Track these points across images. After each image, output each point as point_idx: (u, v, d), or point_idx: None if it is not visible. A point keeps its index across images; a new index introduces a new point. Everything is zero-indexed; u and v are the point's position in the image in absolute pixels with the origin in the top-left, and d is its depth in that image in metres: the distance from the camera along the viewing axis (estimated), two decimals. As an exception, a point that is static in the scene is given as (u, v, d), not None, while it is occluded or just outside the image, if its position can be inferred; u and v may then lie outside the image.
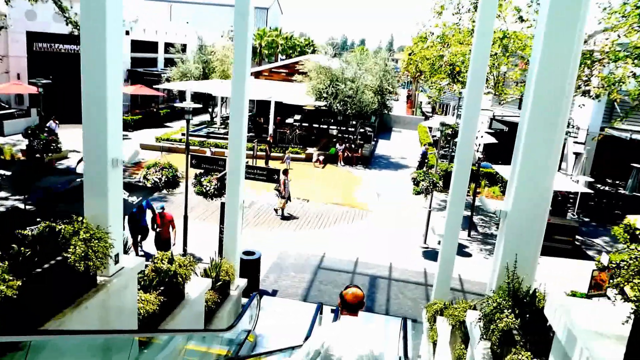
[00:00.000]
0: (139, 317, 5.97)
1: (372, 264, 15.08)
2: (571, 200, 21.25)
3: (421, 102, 64.25)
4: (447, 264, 9.33)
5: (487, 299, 4.44)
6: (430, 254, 16.29)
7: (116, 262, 5.39)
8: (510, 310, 4.17)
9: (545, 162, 4.44)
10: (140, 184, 13.42)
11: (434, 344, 8.02)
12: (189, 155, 11.73)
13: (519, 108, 17.91)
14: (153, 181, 13.29)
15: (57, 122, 26.25)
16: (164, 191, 16.28)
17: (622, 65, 14.67)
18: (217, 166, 11.40)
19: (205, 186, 12.89)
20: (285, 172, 18.64)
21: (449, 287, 9.57)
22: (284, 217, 18.60)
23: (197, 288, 7.71)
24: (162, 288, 6.63)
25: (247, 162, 12.13)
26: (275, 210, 18.90)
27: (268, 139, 28.66)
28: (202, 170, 13.32)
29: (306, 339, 8.72)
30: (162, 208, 13.49)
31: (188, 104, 13.09)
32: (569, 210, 20.12)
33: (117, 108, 5.22)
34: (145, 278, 6.57)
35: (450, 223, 9.10)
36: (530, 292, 4.33)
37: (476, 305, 6.49)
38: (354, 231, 17.89)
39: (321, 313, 10.44)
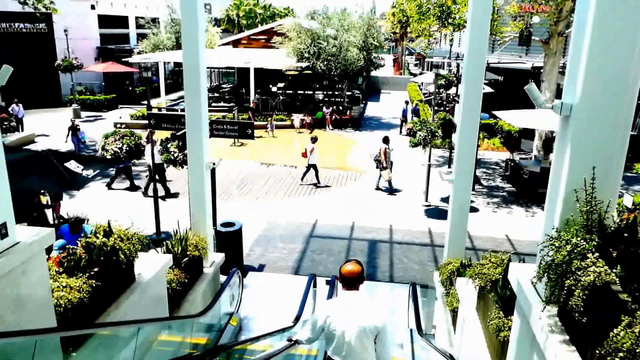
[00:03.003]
0: (59, 311, 4.37)
1: (370, 227, 13.53)
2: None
3: (408, 64, 62.34)
4: (460, 215, 7.76)
5: (552, 241, 2.85)
6: (434, 212, 14.76)
7: (2, 235, 3.75)
8: (597, 255, 2.59)
9: (628, 33, 2.80)
10: (99, 155, 11.75)
11: (454, 312, 6.50)
12: (148, 115, 9.99)
13: (519, 45, 16.18)
14: (113, 152, 11.60)
15: (20, 105, 24.20)
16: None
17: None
18: (180, 124, 9.65)
19: (172, 152, 11.21)
20: (386, 139, 16.59)
21: (465, 242, 8.03)
22: (392, 191, 16.45)
23: (152, 267, 6.10)
24: (95, 269, 5.02)
25: (217, 118, 10.48)
26: (378, 188, 16.65)
27: (251, 105, 26.76)
28: (169, 136, 11.64)
29: (297, 318, 7.23)
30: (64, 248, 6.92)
31: (146, 58, 11.31)
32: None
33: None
34: (70, 258, 4.95)
35: (461, 164, 7.50)
36: (627, 222, 2.73)
37: (510, 258, 4.92)
38: (347, 195, 16.31)
39: (315, 286, 8.92)
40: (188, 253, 7.47)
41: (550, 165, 11.53)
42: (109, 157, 11.49)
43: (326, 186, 17.06)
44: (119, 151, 11.49)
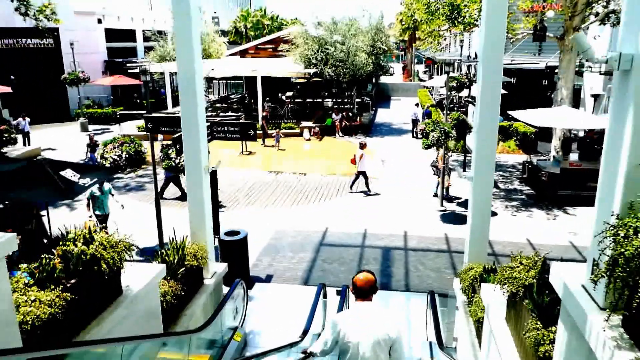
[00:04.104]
0: (25, 329, 3.80)
1: (383, 234, 12.87)
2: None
3: (417, 71, 61.80)
4: (481, 216, 7.10)
5: (616, 230, 2.21)
6: (449, 217, 14.06)
7: (-51, 241, 3.20)
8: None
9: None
10: (98, 163, 11.28)
11: (478, 322, 5.83)
12: (145, 118, 9.46)
13: (534, 40, 15.53)
14: (112, 159, 11.11)
15: (26, 118, 23.98)
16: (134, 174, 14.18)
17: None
18: (179, 127, 9.12)
19: (173, 159, 10.69)
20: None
21: (487, 246, 7.36)
22: (449, 199, 15.36)
23: (142, 278, 5.53)
24: (72, 281, 4.45)
25: (217, 120, 9.94)
26: (436, 195, 15.34)
27: (264, 114, 25.95)
28: (169, 142, 11.12)
29: (304, 332, 6.60)
30: None
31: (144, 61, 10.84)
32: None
33: None
34: (43, 268, 4.39)
35: (480, 160, 6.86)
36: None
37: (546, 259, 4.27)
38: (359, 201, 15.66)
39: (325, 297, 8.28)
40: (186, 263, 6.89)
41: (570, 166, 10.75)
42: (108, 165, 10.99)
43: (376, 194, 16.22)
44: (118, 159, 10.99)
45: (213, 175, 8.45)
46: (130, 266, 5.27)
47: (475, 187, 6.95)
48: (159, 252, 6.74)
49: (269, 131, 24.44)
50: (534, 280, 4.06)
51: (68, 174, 9.85)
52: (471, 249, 7.24)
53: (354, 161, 16.15)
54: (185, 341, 6.30)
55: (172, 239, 7.00)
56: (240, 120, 23.87)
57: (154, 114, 9.18)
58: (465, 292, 6.69)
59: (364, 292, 4.29)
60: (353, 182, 16.41)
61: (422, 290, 9.85)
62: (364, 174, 16.07)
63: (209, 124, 8.92)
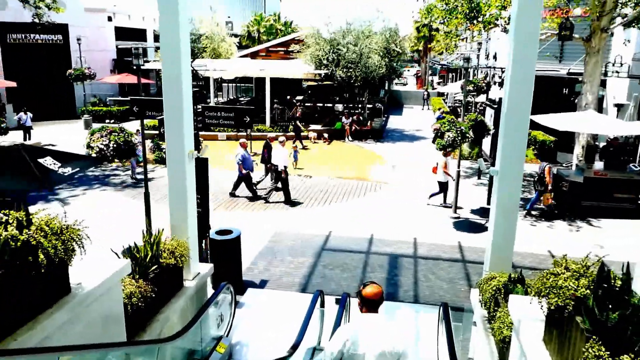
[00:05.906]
0: None
1: (391, 240, 11.86)
2: (629, 149, 17.74)
3: (432, 80, 60.93)
4: (508, 217, 6.07)
5: None
6: (464, 225, 13.02)
7: None
8: None
9: None
10: (84, 153, 10.41)
11: (503, 342, 4.81)
12: (131, 100, 8.60)
13: (559, 39, 14.50)
14: (98, 149, 10.22)
15: (28, 113, 23.36)
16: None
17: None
18: (166, 111, 8.25)
19: (163, 150, 9.78)
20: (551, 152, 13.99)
21: (512, 252, 6.32)
22: (549, 214, 13.82)
23: (99, 275, 4.59)
24: (-5, 273, 3.53)
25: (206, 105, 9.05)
26: (542, 210, 13.92)
27: (297, 115, 23.98)
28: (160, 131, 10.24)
29: (294, 346, 5.61)
30: None
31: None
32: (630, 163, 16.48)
33: None
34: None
35: (508, 150, 5.87)
36: None
37: (603, 262, 3.26)
38: (366, 206, 14.66)
39: (322, 305, 7.30)
40: (162, 261, 5.94)
41: (594, 175, 9.68)
42: (94, 154, 10.11)
43: (450, 206, 14.15)
44: (105, 148, 10.10)
45: (203, 163, 7.55)
46: (81, 259, 4.33)
47: (501, 183, 5.94)
48: (129, 247, 5.79)
49: (270, 134, 23.28)
50: (588, 291, 3.07)
51: (47, 161, 9.00)
52: (493, 256, 6.21)
53: (435, 170, 14.22)
54: (154, 351, 5.37)
55: (145, 231, 6.07)
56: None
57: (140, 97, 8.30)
58: (486, 305, 5.67)
59: (373, 304, 4.25)
60: (436, 193, 14.47)
61: (433, 302, 8.85)
62: (445, 184, 14.19)
63: (200, 109, 8.06)
